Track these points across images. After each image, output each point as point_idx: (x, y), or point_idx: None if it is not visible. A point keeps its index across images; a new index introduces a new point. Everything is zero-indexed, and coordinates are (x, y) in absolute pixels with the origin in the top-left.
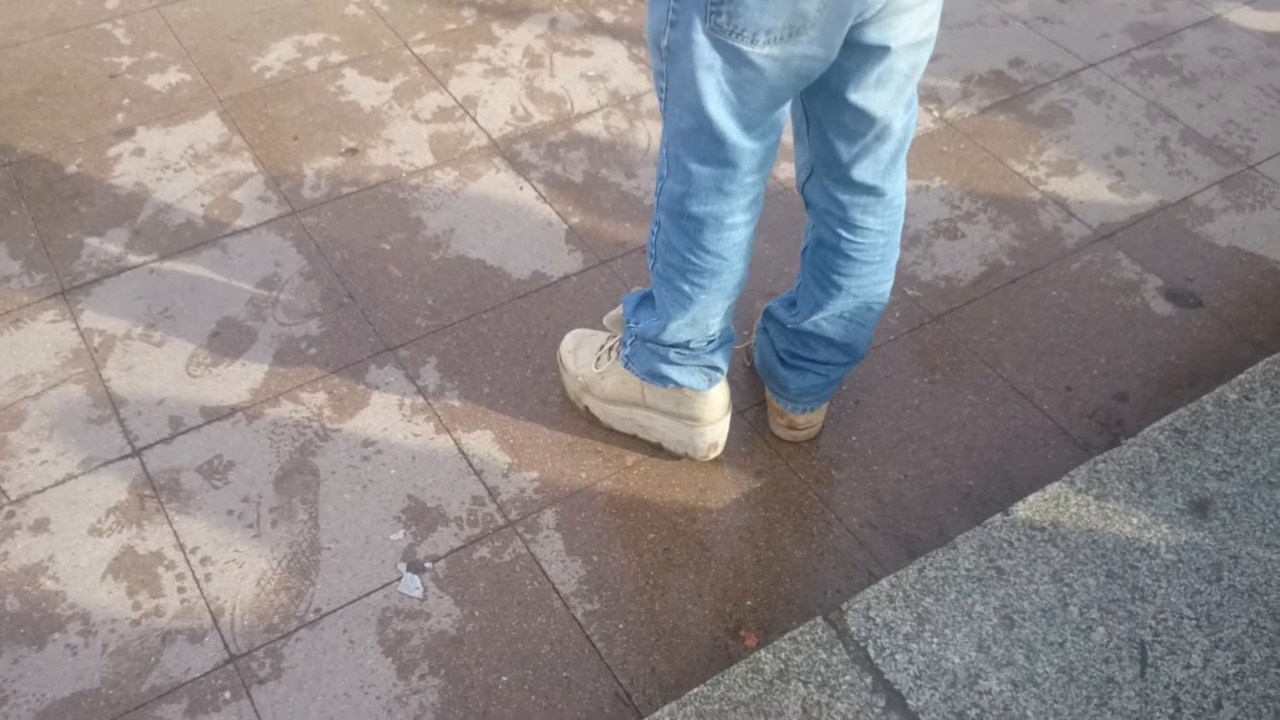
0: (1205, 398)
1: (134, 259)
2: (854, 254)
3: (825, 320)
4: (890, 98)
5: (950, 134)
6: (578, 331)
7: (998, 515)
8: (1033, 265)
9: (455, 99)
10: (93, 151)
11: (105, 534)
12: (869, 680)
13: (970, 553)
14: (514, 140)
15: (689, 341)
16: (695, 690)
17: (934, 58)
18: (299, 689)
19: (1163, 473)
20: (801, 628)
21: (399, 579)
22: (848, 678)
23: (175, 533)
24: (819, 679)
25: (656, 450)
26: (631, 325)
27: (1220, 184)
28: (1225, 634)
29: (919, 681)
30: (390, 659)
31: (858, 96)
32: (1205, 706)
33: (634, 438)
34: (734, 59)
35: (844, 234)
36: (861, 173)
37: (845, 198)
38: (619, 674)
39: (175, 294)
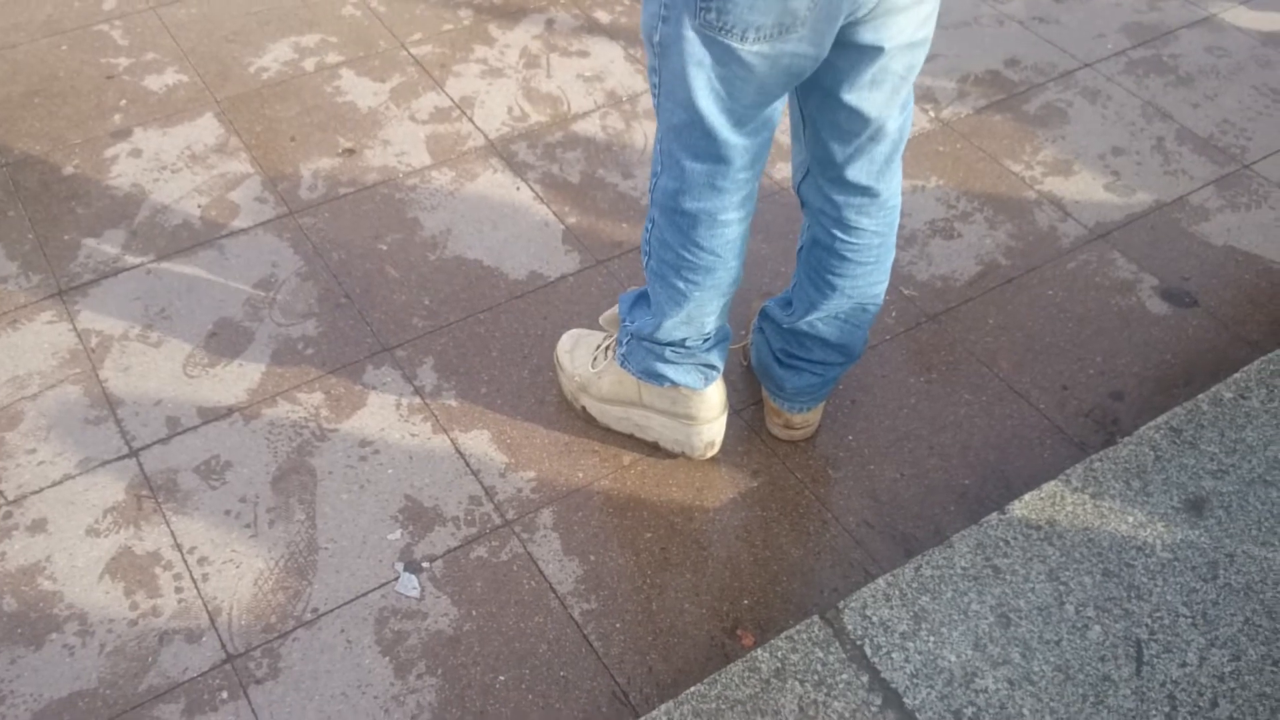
0: (1201, 396)
1: (131, 260)
2: (849, 254)
3: (821, 320)
4: (885, 98)
5: (946, 134)
6: (574, 331)
7: (994, 514)
8: (1029, 265)
9: (452, 99)
10: (90, 152)
11: (102, 534)
12: (865, 679)
13: (967, 551)
14: (511, 141)
15: (684, 340)
16: (692, 689)
17: (930, 57)
18: (296, 689)
19: (1158, 471)
20: (798, 626)
21: (396, 579)
22: (844, 676)
23: (172, 533)
24: (816, 678)
25: (653, 450)
26: (627, 324)
27: (1216, 183)
28: (1221, 632)
29: (915, 680)
30: (387, 659)
31: (852, 97)
32: (1201, 704)
33: (631, 437)
34: (723, 55)
35: (839, 234)
36: (856, 173)
37: (840, 198)
38: (616, 673)
39: (172, 295)
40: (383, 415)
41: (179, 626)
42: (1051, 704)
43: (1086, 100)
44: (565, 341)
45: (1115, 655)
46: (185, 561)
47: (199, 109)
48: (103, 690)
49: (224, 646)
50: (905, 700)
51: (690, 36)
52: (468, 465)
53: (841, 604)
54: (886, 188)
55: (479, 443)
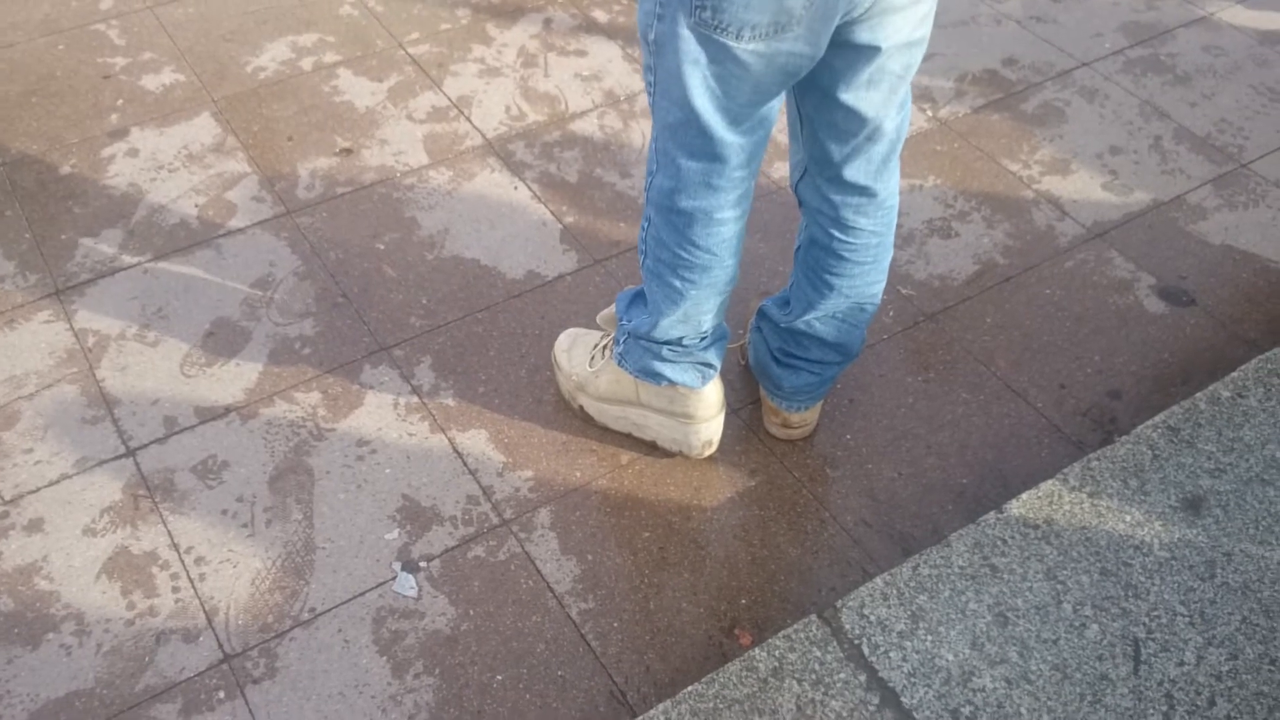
0: (1198, 395)
1: (128, 259)
2: (846, 254)
3: (818, 320)
4: (882, 98)
5: (944, 133)
6: (572, 330)
7: (991, 513)
8: (1026, 264)
9: (450, 99)
10: (87, 152)
11: (99, 534)
12: (863, 678)
13: (964, 550)
14: (508, 140)
15: (681, 338)
16: (690, 688)
17: (927, 57)
18: (293, 688)
19: (1156, 470)
20: (796, 626)
21: (393, 578)
22: (842, 675)
23: (169, 533)
24: (813, 677)
25: (651, 449)
26: (624, 323)
27: (1213, 182)
28: (1218, 631)
29: (913, 679)
30: (385, 658)
31: (849, 96)
32: (1199, 704)
33: (628, 436)
34: (719, 54)
35: (836, 234)
36: (853, 173)
37: (837, 197)
38: (614, 672)
39: (169, 294)
40: (380, 415)
41: (176, 626)
42: (1049, 703)
43: (1084, 99)
44: (563, 340)
45: (1113, 654)
46: (182, 561)
47: (196, 108)
48: (100, 690)
49: (221, 646)
50: (903, 699)
51: (685, 35)
52: (465, 465)
53: (839, 603)
54: (884, 187)
55: (476, 442)
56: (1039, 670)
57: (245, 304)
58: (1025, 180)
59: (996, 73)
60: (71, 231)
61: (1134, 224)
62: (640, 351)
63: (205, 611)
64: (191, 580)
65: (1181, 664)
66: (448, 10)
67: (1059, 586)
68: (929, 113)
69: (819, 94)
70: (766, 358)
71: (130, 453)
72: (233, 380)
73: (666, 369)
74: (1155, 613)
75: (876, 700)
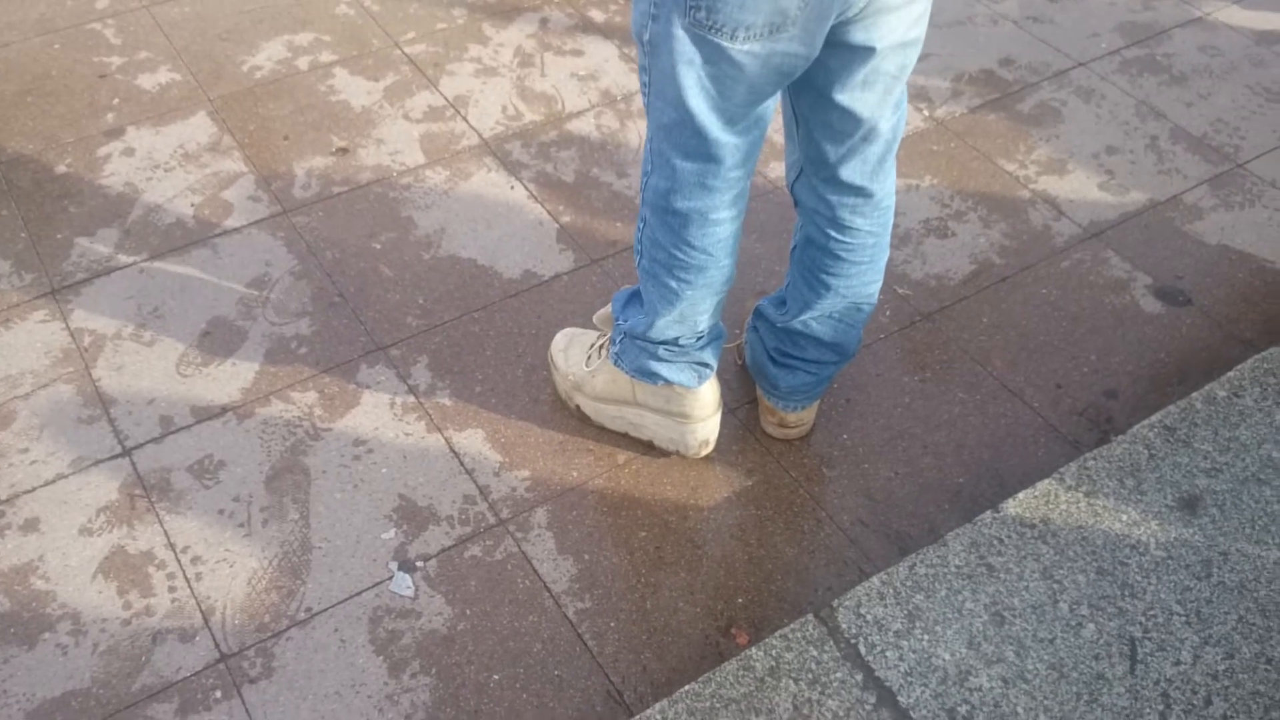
0: (1194, 395)
1: (124, 259)
2: (842, 254)
3: (815, 319)
4: (877, 99)
5: (940, 133)
6: (568, 330)
7: (988, 512)
8: (1023, 263)
9: (446, 98)
10: (82, 151)
11: (95, 534)
12: (860, 677)
13: (961, 550)
14: (505, 140)
15: (678, 338)
16: (686, 688)
17: (924, 57)
18: (290, 688)
19: (1152, 470)
20: (792, 625)
21: (390, 578)
22: (838, 675)
23: (166, 532)
24: (810, 676)
25: (648, 448)
26: (620, 323)
27: (1209, 182)
28: (1215, 630)
29: (909, 678)
30: (381, 658)
31: (844, 97)
32: (1195, 703)
33: (625, 436)
34: (713, 54)
35: (833, 234)
36: (849, 173)
37: (833, 198)
38: (610, 672)
39: (166, 294)
40: (377, 414)
41: (172, 626)
42: (1046, 702)
43: (1080, 99)
44: (559, 340)
45: (1109, 653)
46: (179, 561)
47: (192, 108)
48: (96, 690)
49: (217, 646)
50: (899, 699)
51: (680, 35)
52: (462, 464)
53: (836, 602)
54: (880, 188)
55: (473, 442)
56: (1035, 669)
57: (241, 303)
58: (1022, 180)
59: (993, 73)
60: (67, 231)
61: (1130, 224)
62: (637, 351)
63: (202, 611)
64: (188, 580)
65: (1178, 663)
66: (444, 10)
67: (1055, 586)
68: (925, 113)
69: (814, 94)
70: (763, 357)
71: (126, 452)
72: (229, 380)
73: (663, 369)
74: (1151, 612)
75: (873, 700)
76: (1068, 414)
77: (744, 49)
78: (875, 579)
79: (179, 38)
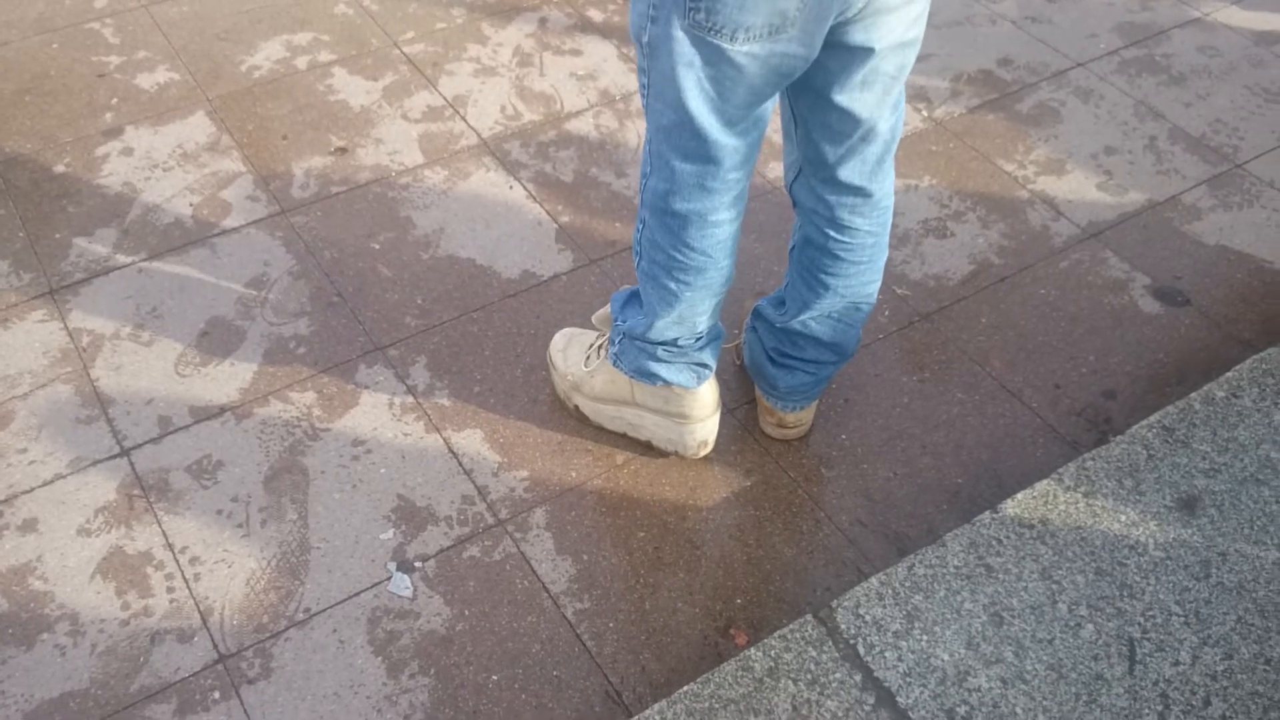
0: (1193, 395)
1: (122, 258)
2: (842, 254)
3: (813, 319)
4: (876, 99)
5: (939, 133)
6: (567, 330)
7: (986, 513)
8: (1021, 264)
9: (445, 98)
10: (81, 151)
11: (94, 534)
12: (858, 678)
13: (959, 550)
14: (504, 139)
15: (677, 339)
16: (685, 688)
17: (923, 57)
18: (288, 689)
19: (1151, 470)
20: (791, 625)
21: (389, 578)
22: (837, 675)
23: (164, 532)
24: (809, 677)
25: (646, 449)
26: (619, 323)
27: (1208, 183)
28: (1213, 631)
29: (908, 679)
30: (380, 658)
31: (843, 98)
32: (1194, 703)
33: (624, 436)
34: (713, 56)
35: (832, 234)
36: (848, 173)
37: (832, 198)
38: (609, 672)
39: (164, 293)
40: (375, 414)
41: (171, 626)
42: (1044, 703)
43: (1079, 100)
44: (558, 340)
45: (1108, 654)
46: (177, 561)
47: (191, 107)
48: (94, 690)
49: (216, 646)
50: (898, 699)
51: (679, 37)
52: (460, 465)
53: (835, 603)
54: (879, 188)
55: (472, 442)
56: (1034, 670)
57: (240, 303)
58: (1020, 180)
59: (992, 73)
60: (66, 231)
61: (1129, 224)
62: (635, 352)
63: (200, 611)
64: (186, 580)
65: (1177, 664)
66: (443, 9)
67: (1054, 586)
68: (924, 113)
69: (813, 95)
70: (762, 358)
71: (125, 452)
72: (227, 380)
73: (662, 369)
74: (1150, 612)
75: (872, 700)
76: (1066, 414)
77: (744, 50)
78: (874, 579)
79: (177, 37)
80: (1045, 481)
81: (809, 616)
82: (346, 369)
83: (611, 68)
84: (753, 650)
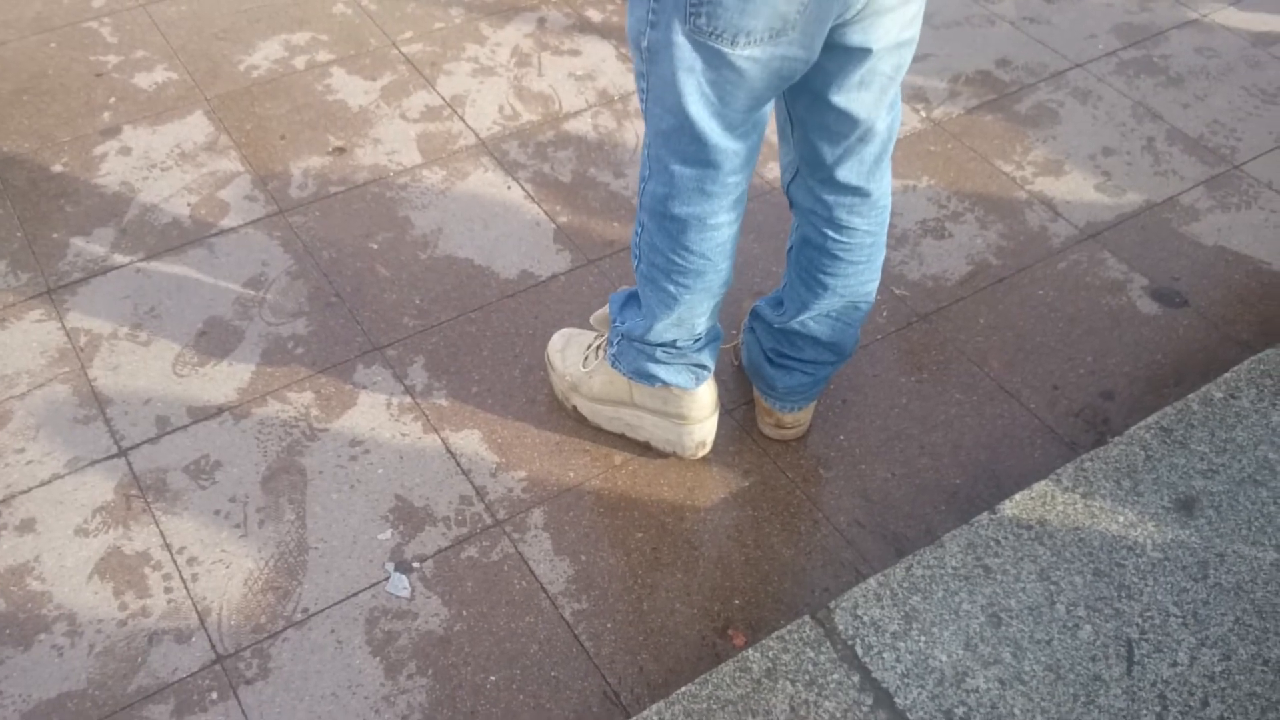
0: (1191, 396)
1: (120, 258)
2: (840, 254)
3: (812, 320)
4: (873, 99)
5: (937, 134)
6: (565, 331)
7: (985, 514)
8: (1019, 265)
9: (443, 98)
10: (78, 150)
11: (91, 534)
12: (856, 679)
13: (957, 551)
14: (502, 139)
15: (675, 340)
16: (683, 689)
17: (921, 58)
18: (286, 689)
19: (1149, 471)
20: (789, 626)
21: (386, 579)
22: (835, 676)
23: (162, 533)
24: (807, 678)
25: (644, 449)
26: (618, 325)
27: (1206, 184)
28: (1211, 632)
29: (906, 680)
30: (378, 659)
31: (840, 98)
32: (1192, 704)
33: (622, 437)
34: (714, 60)
35: (830, 234)
36: (846, 174)
37: (830, 198)
38: (607, 673)
39: (162, 293)
40: (373, 415)
41: (168, 627)
42: (1042, 704)
43: (1077, 100)
44: (556, 341)
45: (1106, 655)
46: (175, 561)
47: (189, 107)
48: (92, 691)
49: (214, 647)
50: (896, 700)
51: (680, 42)
52: (458, 465)
53: (833, 604)
54: (877, 187)
55: (470, 442)
56: (1032, 671)
57: (238, 303)
58: (1018, 181)
59: (990, 74)
60: (63, 230)
61: (1127, 225)
62: (634, 353)
63: (198, 612)
64: (184, 580)
65: (1175, 665)
66: (441, 9)
67: (1052, 587)
68: (922, 113)
69: (810, 97)
70: (760, 358)
71: (122, 452)
72: (225, 380)
73: (660, 370)
74: (1148, 613)
75: (870, 701)
76: (1064, 415)
77: (745, 54)
78: (872, 580)
79: (176, 37)
80: (1043, 482)
81: (807, 617)
82: (344, 369)
83: (610, 68)
84: (750, 651)
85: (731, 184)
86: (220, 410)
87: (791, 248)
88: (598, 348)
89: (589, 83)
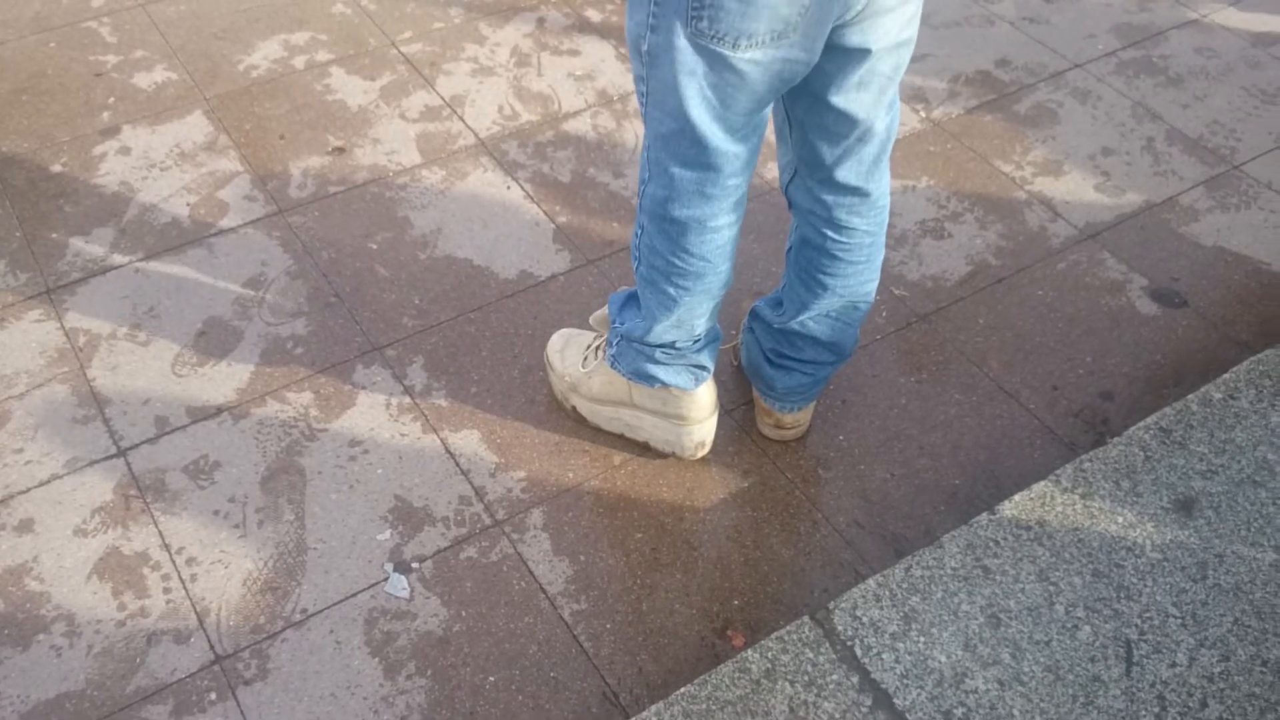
0: (1190, 397)
1: (119, 258)
2: (840, 254)
3: (812, 320)
4: (872, 99)
5: (937, 134)
6: (565, 331)
7: (984, 514)
8: (1019, 265)
9: (443, 98)
10: (78, 150)
11: (90, 534)
12: (856, 679)
13: (957, 552)
14: (501, 139)
15: (675, 342)
16: (682, 690)
17: (920, 58)
18: (285, 690)
19: (1148, 472)
20: (788, 627)
21: (385, 579)
22: (834, 677)
23: (161, 533)
24: (806, 678)
25: (644, 450)
26: (617, 325)
27: (1205, 184)
28: (1210, 632)
29: (905, 681)
30: (377, 660)
31: (840, 99)
32: (1191, 705)
33: (621, 437)
34: (716, 64)
35: (830, 234)
36: (845, 174)
37: (830, 198)
38: (606, 674)
39: (161, 293)
40: (372, 415)
41: (167, 627)
42: (1041, 704)
43: (1077, 101)
44: (555, 341)
45: (1105, 656)
46: (173, 562)
47: (188, 107)
48: (90, 691)
49: (212, 647)
50: (895, 701)
51: (682, 46)
52: (458, 465)
53: (832, 604)
54: (876, 187)
55: (469, 442)
56: (1031, 672)
57: (237, 303)
58: (1018, 181)
59: (989, 74)
60: (62, 230)
61: (1126, 225)
62: (634, 354)
63: (196, 612)
64: (183, 581)
65: (1174, 665)
66: (440, 9)
67: (1051, 588)
68: (922, 113)
69: (809, 98)
70: (759, 358)
71: (121, 453)
72: (224, 380)
73: (660, 371)
74: (1147, 614)
75: (869, 702)
76: (1064, 416)
77: (746, 57)
78: (871, 581)
79: (175, 36)
80: (1043, 483)
81: (806, 618)
82: (344, 369)
83: (609, 68)
84: (750, 652)
85: (732, 187)
86: (219, 410)
87: (791, 248)
88: (597, 348)
89: (588, 83)
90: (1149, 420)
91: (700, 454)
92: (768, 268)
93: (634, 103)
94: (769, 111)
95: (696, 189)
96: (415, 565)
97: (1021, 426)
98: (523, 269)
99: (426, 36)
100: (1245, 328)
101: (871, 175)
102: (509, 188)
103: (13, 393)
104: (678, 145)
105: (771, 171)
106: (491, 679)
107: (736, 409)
